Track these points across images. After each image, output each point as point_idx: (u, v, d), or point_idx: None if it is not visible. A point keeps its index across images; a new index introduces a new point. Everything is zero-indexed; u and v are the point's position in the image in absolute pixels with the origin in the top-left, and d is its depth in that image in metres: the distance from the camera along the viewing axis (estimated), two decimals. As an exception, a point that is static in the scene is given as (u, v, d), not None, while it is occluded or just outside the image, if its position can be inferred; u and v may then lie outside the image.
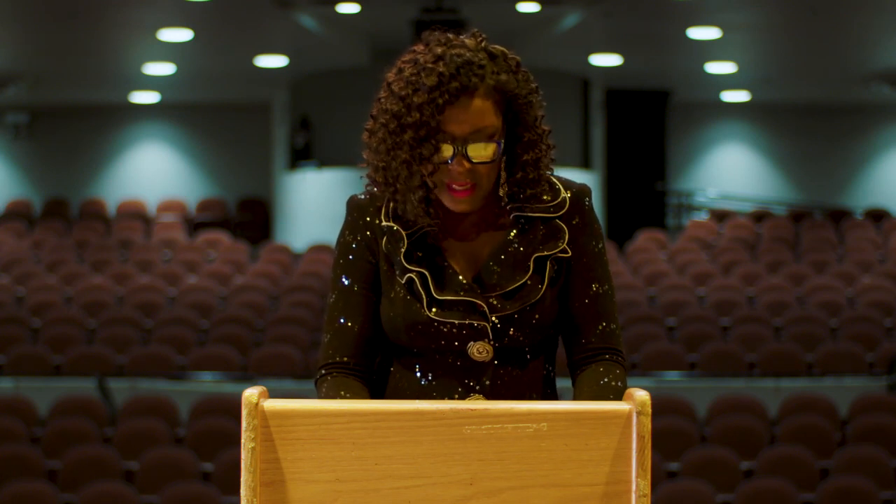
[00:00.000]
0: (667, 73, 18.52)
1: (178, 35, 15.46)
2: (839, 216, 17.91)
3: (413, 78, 2.67)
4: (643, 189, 19.82)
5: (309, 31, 15.57)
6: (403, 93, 2.67)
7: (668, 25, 15.50)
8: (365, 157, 2.76)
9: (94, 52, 16.71)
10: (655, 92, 19.61)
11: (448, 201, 2.72)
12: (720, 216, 17.87)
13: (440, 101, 2.64)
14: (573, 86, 18.93)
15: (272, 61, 17.22)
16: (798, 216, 17.83)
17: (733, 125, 20.41)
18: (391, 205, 2.77)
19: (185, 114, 19.93)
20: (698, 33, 15.66)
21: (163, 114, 19.94)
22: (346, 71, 17.76)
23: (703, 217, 18.71)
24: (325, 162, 18.40)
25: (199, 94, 19.30)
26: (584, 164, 18.96)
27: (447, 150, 2.67)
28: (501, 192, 2.76)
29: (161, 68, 17.34)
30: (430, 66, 2.66)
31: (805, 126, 20.18)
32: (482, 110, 2.67)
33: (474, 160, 2.67)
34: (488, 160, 2.68)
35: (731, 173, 20.34)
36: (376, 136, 2.72)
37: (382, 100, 2.72)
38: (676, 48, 16.76)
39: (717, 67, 17.74)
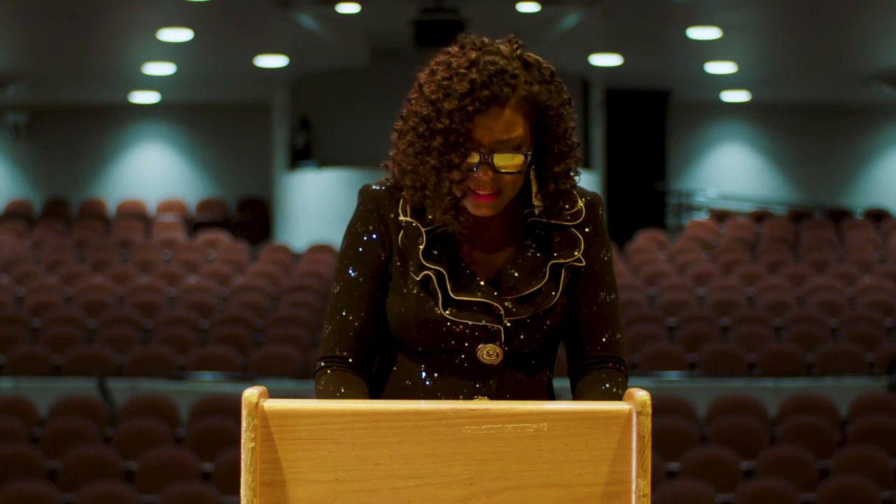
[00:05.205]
0: (667, 73, 18.52)
1: (178, 35, 15.46)
2: (839, 216, 17.91)
3: (445, 82, 2.64)
4: (643, 189, 19.82)
5: (309, 31, 15.56)
6: (434, 97, 2.64)
7: (668, 25, 15.50)
8: (392, 155, 2.73)
9: (94, 52, 16.70)
10: (655, 92, 19.61)
11: (471, 205, 2.69)
12: (720, 216, 17.87)
13: (470, 108, 2.61)
14: (573, 86, 18.91)
15: (272, 61, 17.22)
16: (798, 216, 17.83)
17: (733, 125, 20.40)
18: (413, 200, 2.73)
19: (185, 114, 19.93)
20: (698, 33, 15.66)
21: (163, 114, 19.94)
22: (346, 71, 17.76)
23: (703, 217, 18.70)
24: (325, 162, 18.40)
25: (199, 94, 19.30)
26: (585, 164, 18.92)
27: (473, 158, 2.64)
28: (536, 202, 2.75)
29: (161, 68, 17.34)
30: (462, 70, 2.63)
31: (805, 126, 20.18)
32: (511, 121, 2.64)
33: (500, 169, 2.65)
34: (514, 171, 2.65)
35: (731, 173, 20.34)
36: (405, 139, 2.69)
37: (413, 101, 2.69)
38: (676, 48, 16.76)
39: (717, 67, 17.74)
